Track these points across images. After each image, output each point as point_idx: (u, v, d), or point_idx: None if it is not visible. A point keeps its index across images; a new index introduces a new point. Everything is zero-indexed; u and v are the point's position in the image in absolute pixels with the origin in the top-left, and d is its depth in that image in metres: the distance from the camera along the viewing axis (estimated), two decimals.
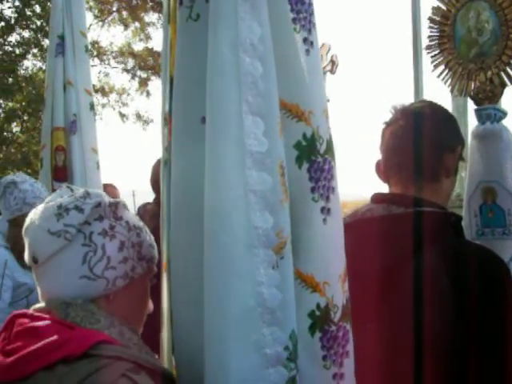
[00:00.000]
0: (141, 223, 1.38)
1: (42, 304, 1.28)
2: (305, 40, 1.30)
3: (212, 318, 1.17)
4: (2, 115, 15.08)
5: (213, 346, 1.17)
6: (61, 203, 1.27)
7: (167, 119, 1.41)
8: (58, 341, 1.13)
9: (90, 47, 3.83)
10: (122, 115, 19.45)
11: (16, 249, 3.08)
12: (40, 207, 1.30)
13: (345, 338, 1.34)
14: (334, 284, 1.31)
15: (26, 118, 16.14)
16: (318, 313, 1.29)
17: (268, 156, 1.18)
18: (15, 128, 16.56)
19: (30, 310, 1.27)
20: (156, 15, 19.10)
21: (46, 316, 1.21)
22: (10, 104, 15.56)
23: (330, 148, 1.32)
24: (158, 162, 3.21)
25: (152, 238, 1.41)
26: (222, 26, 1.17)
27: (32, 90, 15.72)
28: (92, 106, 3.73)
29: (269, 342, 1.16)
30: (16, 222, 3.10)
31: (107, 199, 1.30)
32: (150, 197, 3.44)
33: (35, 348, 1.12)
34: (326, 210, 1.30)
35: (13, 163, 14.92)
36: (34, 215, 1.29)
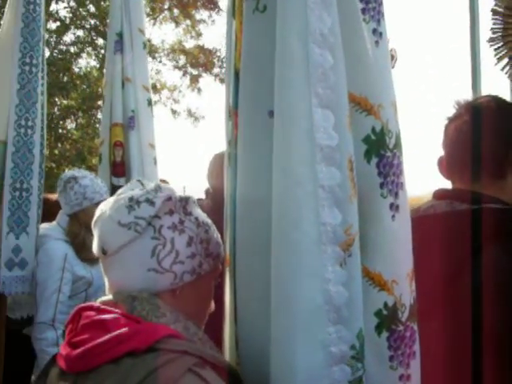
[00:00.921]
0: (209, 220, 1.37)
1: (108, 297, 1.29)
2: (374, 31, 1.27)
3: (279, 315, 1.16)
4: (58, 112, 15.40)
5: (279, 343, 1.16)
6: (132, 196, 1.27)
7: (232, 113, 1.39)
8: (124, 334, 1.13)
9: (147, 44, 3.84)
10: (174, 112, 19.65)
11: (75, 243, 3.14)
12: (111, 199, 1.32)
13: (412, 338, 1.30)
14: (402, 282, 1.28)
15: (80, 115, 16.46)
16: (385, 312, 1.26)
17: (337, 150, 1.15)
18: (70, 125, 16.91)
19: (97, 303, 1.28)
20: (207, 12, 19.22)
21: (113, 309, 1.21)
22: (65, 102, 15.89)
23: (398, 142, 1.29)
24: (215, 157, 3.21)
25: (219, 235, 1.40)
26: (290, 16, 1.15)
27: (86, 87, 16.04)
28: (149, 102, 3.75)
29: (334, 340, 1.14)
30: (76, 217, 3.16)
31: (177, 194, 1.30)
32: (200, 193, 3.44)
33: (102, 341, 1.13)
34: (394, 207, 1.27)
35: (68, 159, 15.24)
36: (104, 207, 1.30)
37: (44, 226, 3.29)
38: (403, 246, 1.30)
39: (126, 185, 1.38)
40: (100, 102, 16.54)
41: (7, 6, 3.20)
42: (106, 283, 1.33)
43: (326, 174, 1.14)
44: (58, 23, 16.23)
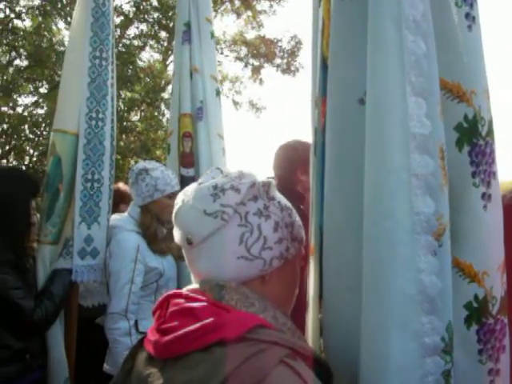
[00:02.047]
0: (289, 204, 1.35)
1: (195, 286, 1.28)
2: (467, 15, 1.23)
3: (371, 305, 1.15)
4: (123, 105, 15.69)
5: (371, 333, 1.15)
6: (216, 183, 1.25)
7: (319, 101, 1.37)
8: (214, 323, 1.12)
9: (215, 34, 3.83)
10: (236, 103, 19.75)
11: (147, 234, 3.18)
12: (191, 188, 1.30)
13: (502, 331, 1.27)
14: (494, 274, 1.24)
15: (144, 107, 16.72)
16: (475, 304, 1.23)
17: (430, 139, 1.13)
18: (134, 117, 17.21)
19: (185, 291, 1.27)
20: (267, 3, 19.21)
21: (201, 297, 1.21)
22: (130, 94, 16.16)
23: (491, 130, 1.25)
24: (281, 147, 3.19)
25: (299, 218, 1.38)
26: (383, 2, 1.13)
27: (150, 80, 16.28)
28: (218, 92, 3.75)
29: (427, 331, 1.13)
30: (147, 208, 3.20)
31: (259, 179, 1.28)
32: None
33: (192, 329, 1.12)
34: (486, 196, 1.24)
35: (133, 151, 15.51)
36: (185, 197, 1.29)
37: (115, 216, 3.34)
38: (495, 237, 1.26)
39: (206, 173, 1.36)
40: (163, 94, 16.80)
41: (77, 1, 3.27)
42: (192, 273, 1.32)
43: (420, 162, 1.12)
44: (122, 17, 16.51)
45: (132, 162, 15.60)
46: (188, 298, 1.22)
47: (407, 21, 1.12)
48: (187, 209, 1.26)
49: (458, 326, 1.21)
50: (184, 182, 3.44)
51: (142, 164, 3.29)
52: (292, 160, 3.07)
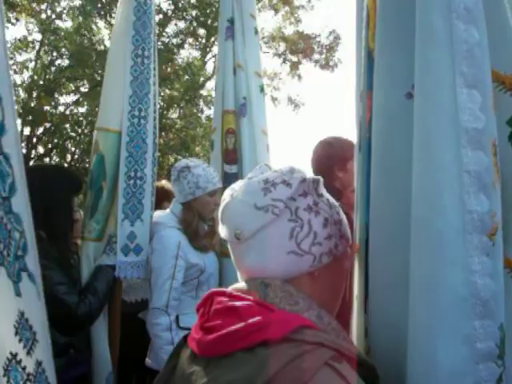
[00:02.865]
0: (336, 202, 1.33)
1: (240, 284, 1.28)
2: None
3: (419, 306, 1.11)
4: (162, 103, 15.81)
5: (418, 336, 1.12)
6: (267, 178, 1.24)
7: (364, 95, 1.35)
8: (258, 323, 1.11)
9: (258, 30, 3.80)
10: (274, 99, 19.72)
11: (189, 231, 3.20)
12: (240, 184, 1.29)
13: None
14: None
15: (183, 104, 16.82)
16: None
17: (483, 133, 1.09)
18: (173, 114, 17.33)
19: (229, 289, 1.26)
20: None
21: (245, 296, 1.20)
22: (169, 92, 16.28)
23: None
24: (319, 144, 3.17)
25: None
26: None
27: (188, 78, 16.37)
28: (262, 89, 3.73)
29: (480, 336, 1.09)
30: (189, 206, 3.22)
31: (309, 175, 1.27)
32: None
33: (236, 328, 1.11)
34: None
35: (172, 148, 15.62)
36: (233, 192, 1.28)
37: (157, 213, 3.36)
38: None
39: (255, 169, 1.34)
40: (202, 91, 16.89)
41: (119, 1, 3.29)
42: (238, 270, 1.31)
43: (472, 158, 1.08)
44: (161, 16, 16.62)
45: (171, 160, 15.73)
46: (232, 297, 1.21)
47: (458, 9, 1.08)
48: (236, 203, 1.25)
49: (510, 328, 1.17)
50: (227, 178, 3.45)
51: (184, 161, 3.30)
52: (329, 157, 3.06)
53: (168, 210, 3.36)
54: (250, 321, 1.11)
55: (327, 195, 1.30)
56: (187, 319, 3.08)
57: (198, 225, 3.23)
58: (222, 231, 1.30)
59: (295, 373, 1.03)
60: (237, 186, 1.29)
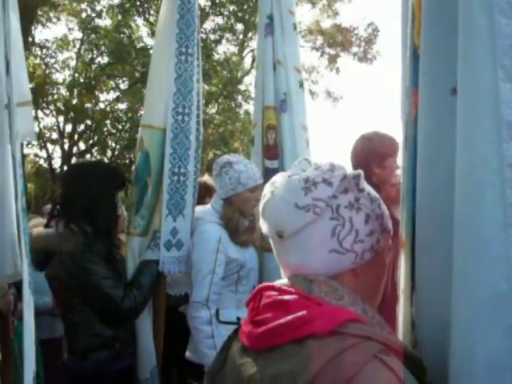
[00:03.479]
0: (377, 194, 1.31)
1: (284, 280, 1.28)
2: None
3: (460, 300, 1.12)
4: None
5: (459, 329, 1.12)
6: (308, 176, 1.23)
7: (410, 92, 1.35)
8: (306, 316, 1.12)
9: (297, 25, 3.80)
10: (312, 93, 19.67)
11: (229, 226, 3.22)
12: (281, 180, 1.28)
13: None
14: None
15: (221, 100, 16.90)
16: None
17: None
18: (211, 110, 17.42)
19: (277, 284, 1.27)
20: None
21: (293, 290, 1.21)
22: (207, 87, 16.36)
23: None
24: (359, 138, 3.16)
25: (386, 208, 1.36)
26: None
27: (226, 73, 16.43)
28: (301, 84, 3.72)
29: None
30: (230, 201, 3.24)
31: (349, 171, 1.26)
32: None
33: (285, 321, 1.13)
34: None
35: (211, 143, 15.72)
36: (274, 188, 1.28)
37: (199, 208, 3.39)
38: None
39: (294, 165, 1.34)
40: (240, 86, 16.92)
41: (163, 0, 3.34)
42: (281, 266, 1.31)
43: None
44: (199, 12, 16.70)
45: (210, 155, 15.83)
46: (280, 291, 1.23)
47: (500, 4, 1.08)
48: (277, 201, 1.25)
49: None
50: (268, 173, 3.44)
51: (225, 157, 3.33)
52: (368, 152, 3.05)
53: (209, 206, 3.39)
54: (298, 314, 1.13)
55: (368, 188, 1.29)
56: (227, 313, 3.11)
57: (239, 220, 3.25)
58: (264, 227, 1.31)
59: (343, 365, 1.04)
60: (277, 181, 1.29)
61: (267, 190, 1.30)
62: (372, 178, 2.95)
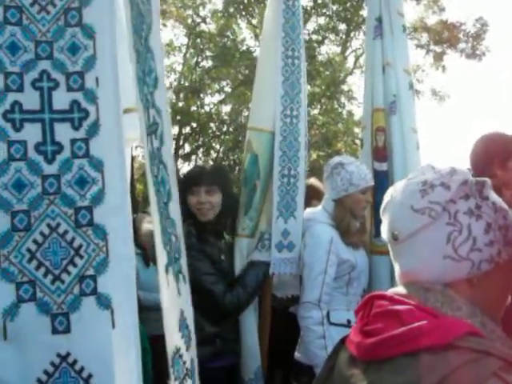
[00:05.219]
0: (505, 206, 1.27)
1: (399, 288, 1.26)
2: None
3: None
4: None
5: None
6: (426, 179, 1.22)
7: None
8: (422, 328, 1.09)
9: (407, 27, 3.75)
10: (417, 92, 19.21)
11: (341, 227, 3.22)
12: (401, 183, 1.27)
13: None
14: None
15: (324, 100, 16.85)
16: None
17: None
18: (314, 110, 17.39)
19: (389, 293, 1.24)
20: None
21: (406, 300, 1.18)
22: (310, 88, 16.36)
23: None
24: (480, 139, 3.03)
25: None
26: None
27: (329, 73, 16.36)
28: (411, 86, 3.67)
29: None
30: (341, 202, 3.23)
31: (473, 177, 1.23)
32: None
33: (399, 332, 1.10)
34: None
35: (314, 145, 15.70)
36: (394, 191, 1.27)
37: (308, 210, 3.41)
38: None
39: (417, 169, 1.32)
40: (343, 87, 16.81)
41: (268, 4, 3.39)
42: (397, 271, 1.29)
43: None
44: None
45: (314, 156, 15.82)
46: (392, 300, 1.20)
47: None
48: (395, 204, 1.25)
49: None
50: (377, 176, 3.41)
51: (337, 158, 3.33)
52: (489, 153, 2.93)
53: (320, 207, 3.39)
54: (413, 325, 1.09)
55: (495, 198, 1.25)
56: (337, 315, 3.09)
57: (350, 221, 3.23)
58: (383, 229, 1.30)
59: (461, 382, 1.00)
60: (398, 185, 1.28)
61: (388, 193, 1.30)
62: (493, 181, 2.85)
